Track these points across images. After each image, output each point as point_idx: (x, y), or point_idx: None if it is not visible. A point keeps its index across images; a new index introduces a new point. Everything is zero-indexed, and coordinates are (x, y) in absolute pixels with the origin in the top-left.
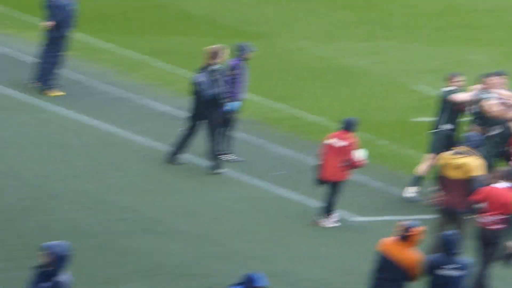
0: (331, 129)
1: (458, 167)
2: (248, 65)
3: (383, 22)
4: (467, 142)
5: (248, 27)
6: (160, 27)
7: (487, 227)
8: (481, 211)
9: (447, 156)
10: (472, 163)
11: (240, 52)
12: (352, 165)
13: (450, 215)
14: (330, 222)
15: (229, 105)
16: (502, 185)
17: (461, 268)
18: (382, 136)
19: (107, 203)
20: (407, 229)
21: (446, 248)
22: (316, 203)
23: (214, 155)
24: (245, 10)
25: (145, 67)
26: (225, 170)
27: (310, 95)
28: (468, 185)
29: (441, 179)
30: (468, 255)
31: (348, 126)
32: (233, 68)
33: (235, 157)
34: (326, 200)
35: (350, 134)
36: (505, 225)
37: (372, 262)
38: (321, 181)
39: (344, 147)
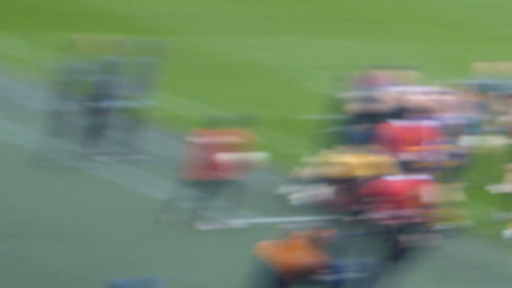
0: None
1: (344, 166)
2: (157, 62)
3: (293, 17)
4: (351, 140)
5: (155, 23)
6: (64, 22)
7: (382, 223)
8: (374, 207)
9: (333, 156)
10: (357, 162)
11: (149, 49)
12: (241, 164)
13: (341, 216)
14: (207, 225)
15: (137, 102)
16: (395, 178)
17: (359, 269)
18: (272, 133)
19: None
20: (288, 232)
21: (340, 250)
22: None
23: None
24: (152, 6)
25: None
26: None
27: (223, 91)
28: (356, 183)
29: (329, 179)
30: (364, 256)
31: (243, 122)
32: (141, 64)
33: (140, 157)
34: (198, 201)
35: (242, 131)
36: (399, 220)
37: (252, 266)
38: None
39: (233, 144)
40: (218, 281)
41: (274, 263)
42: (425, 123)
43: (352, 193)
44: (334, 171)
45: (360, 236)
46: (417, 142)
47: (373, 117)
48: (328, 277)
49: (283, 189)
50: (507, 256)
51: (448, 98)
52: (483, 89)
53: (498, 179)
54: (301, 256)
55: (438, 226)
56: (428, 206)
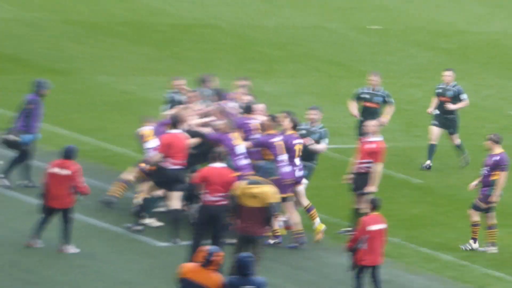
0: (134, 159)
1: (256, 196)
2: (44, 100)
3: (182, 57)
4: (260, 171)
5: (53, 64)
6: None
7: (212, 205)
8: (204, 191)
9: (243, 186)
10: (269, 192)
11: (37, 88)
12: (78, 191)
13: (248, 240)
14: (72, 248)
15: (23, 138)
16: (219, 165)
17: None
18: None
19: None
20: (210, 254)
21: (242, 270)
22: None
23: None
24: (50, 49)
25: None
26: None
27: (114, 127)
28: (264, 212)
29: (238, 207)
30: (262, 275)
31: (69, 154)
32: (29, 102)
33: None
34: (63, 228)
35: (71, 162)
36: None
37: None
38: (48, 209)
39: (67, 175)
40: None
41: (202, 283)
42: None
43: (262, 221)
44: (249, 201)
45: (260, 259)
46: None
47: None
48: None
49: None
50: None
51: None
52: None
53: None
54: (222, 274)
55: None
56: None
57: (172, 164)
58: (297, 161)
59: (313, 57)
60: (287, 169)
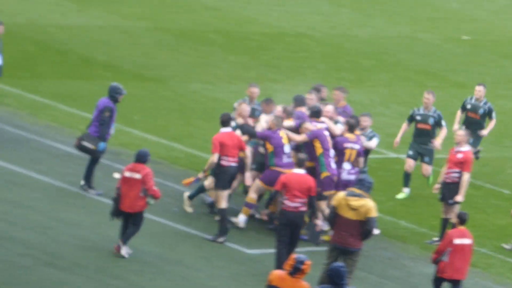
0: None
1: (354, 208)
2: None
3: (274, 65)
4: (361, 184)
5: (145, 71)
6: (62, 72)
7: (292, 211)
8: (284, 197)
9: (343, 197)
10: (369, 206)
11: (113, 93)
12: (150, 194)
13: (341, 251)
14: (125, 249)
15: (99, 146)
16: (299, 171)
17: None
18: None
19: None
20: (299, 262)
21: (334, 279)
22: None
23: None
24: (142, 56)
25: (49, 110)
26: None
27: (203, 134)
28: (362, 225)
29: (335, 217)
30: (354, 285)
31: (140, 158)
32: (106, 110)
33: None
34: (129, 229)
35: (142, 166)
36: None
37: None
38: (122, 213)
39: (139, 179)
40: None
41: None
42: None
43: (359, 233)
44: (348, 213)
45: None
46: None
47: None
48: None
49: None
50: None
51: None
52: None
53: None
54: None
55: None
56: None
57: (229, 162)
58: (346, 165)
59: (404, 67)
60: (333, 165)
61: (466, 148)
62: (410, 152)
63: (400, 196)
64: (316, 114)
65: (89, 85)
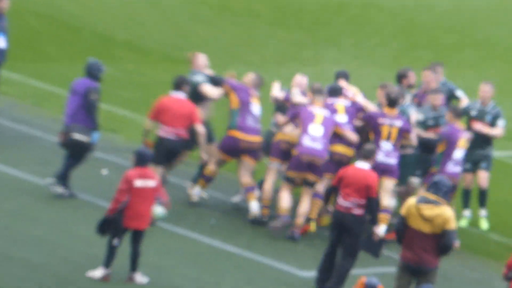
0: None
1: (428, 219)
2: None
3: (334, 43)
4: (435, 188)
5: (176, 52)
6: (73, 53)
7: (343, 212)
8: (338, 194)
9: (413, 205)
10: (446, 215)
11: (93, 71)
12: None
13: (413, 271)
14: (140, 277)
15: (93, 136)
16: (361, 165)
17: None
18: None
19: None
20: (370, 286)
21: None
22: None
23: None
24: (173, 34)
25: (57, 100)
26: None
27: None
28: (437, 240)
29: (404, 230)
30: None
31: (145, 159)
32: (92, 91)
33: None
34: (134, 252)
35: (150, 169)
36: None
37: None
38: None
39: (153, 187)
40: None
41: None
42: None
43: (434, 250)
44: (421, 225)
45: None
46: None
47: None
48: None
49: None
50: None
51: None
52: None
53: None
54: None
55: None
56: None
57: (167, 133)
58: (386, 144)
59: (494, 44)
60: (311, 144)
61: None
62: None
63: (463, 223)
64: (334, 92)
65: (107, 69)
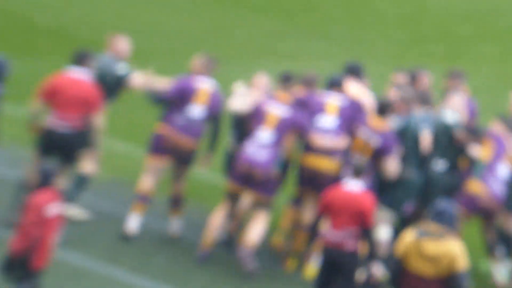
0: None
1: (432, 258)
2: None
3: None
4: (440, 218)
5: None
6: None
7: (336, 246)
8: (326, 224)
9: (412, 239)
10: (454, 251)
11: None
12: None
13: None
14: None
15: None
16: (352, 184)
17: None
18: None
19: None
20: None
21: None
22: None
23: None
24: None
25: None
26: None
27: None
28: (445, 285)
29: (401, 273)
30: None
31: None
32: None
33: None
34: None
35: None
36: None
37: None
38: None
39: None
40: None
41: None
42: None
43: None
44: (422, 265)
45: None
46: None
47: None
48: None
49: None
50: None
51: None
52: None
53: None
54: None
55: None
56: None
57: (54, 122)
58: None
59: None
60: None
61: None
62: None
63: (502, 279)
64: (329, 84)
65: (29, 63)
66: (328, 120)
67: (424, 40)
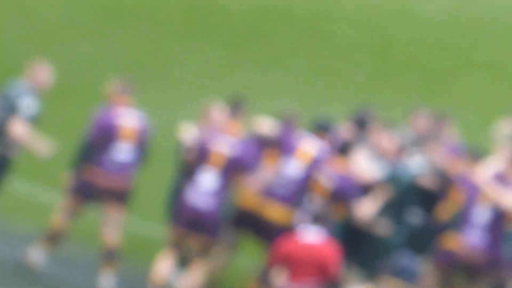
0: None
1: None
2: None
3: (271, 65)
4: (401, 275)
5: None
6: None
7: None
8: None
9: None
10: None
11: None
12: None
13: None
14: None
15: None
16: (311, 233)
17: None
18: None
19: None
20: None
21: None
22: None
23: None
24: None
25: None
26: None
27: None
28: None
29: None
30: None
31: None
32: None
33: None
34: None
35: None
36: None
37: None
38: None
39: None
40: None
41: None
42: None
43: None
44: None
45: None
46: None
47: None
48: None
49: None
50: None
51: None
52: None
53: None
54: None
55: None
56: None
57: None
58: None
59: (505, 64)
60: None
61: None
62: None
63: None
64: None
65: None
66: (293, 166)
67: (394, 74)
